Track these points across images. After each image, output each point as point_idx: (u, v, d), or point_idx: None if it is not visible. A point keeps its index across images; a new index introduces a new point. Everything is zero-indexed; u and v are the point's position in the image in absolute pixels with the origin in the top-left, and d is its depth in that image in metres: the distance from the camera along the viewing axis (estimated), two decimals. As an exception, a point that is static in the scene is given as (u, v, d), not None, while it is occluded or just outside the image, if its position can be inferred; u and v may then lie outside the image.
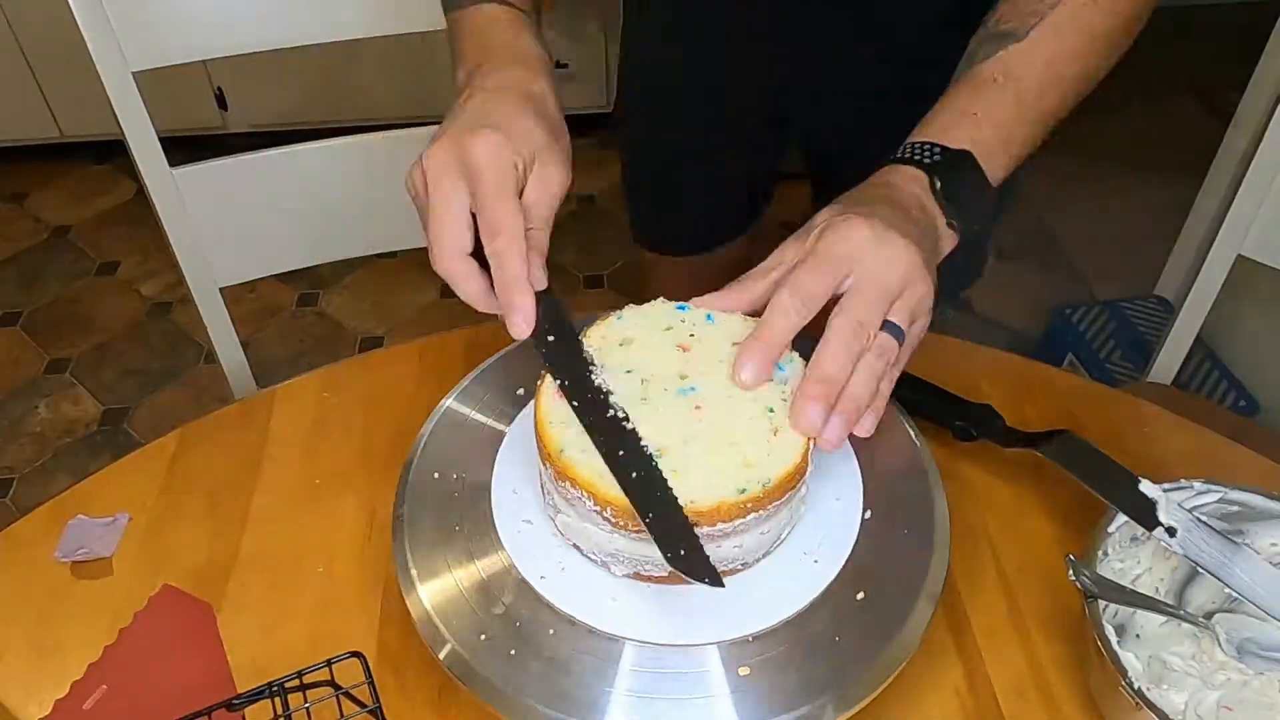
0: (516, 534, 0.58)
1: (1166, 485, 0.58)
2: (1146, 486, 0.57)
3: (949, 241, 0.62)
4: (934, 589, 0.56)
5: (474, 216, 0.56)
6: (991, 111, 0.63)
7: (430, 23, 0.93)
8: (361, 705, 0.52)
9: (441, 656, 0.53)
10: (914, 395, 0.70)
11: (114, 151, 2.31)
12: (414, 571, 0.57)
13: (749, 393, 0.55)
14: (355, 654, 0.53)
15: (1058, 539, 0.66)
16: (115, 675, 0.59)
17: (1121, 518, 0.58)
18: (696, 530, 0.51)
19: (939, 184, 0.60)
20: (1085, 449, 0.63)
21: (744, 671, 0.52)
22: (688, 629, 0.54)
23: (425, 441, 0.64)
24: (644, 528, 0.50)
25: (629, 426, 0.53)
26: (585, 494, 0.52)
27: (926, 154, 0.61)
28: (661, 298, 0.61)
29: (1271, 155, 0.90)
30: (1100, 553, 0.58)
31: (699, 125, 0.99)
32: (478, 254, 0.56)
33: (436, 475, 0.62)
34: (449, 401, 0.67)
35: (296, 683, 0.52)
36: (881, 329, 0.54)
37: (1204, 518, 0.56)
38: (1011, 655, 0.60)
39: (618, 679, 0.52)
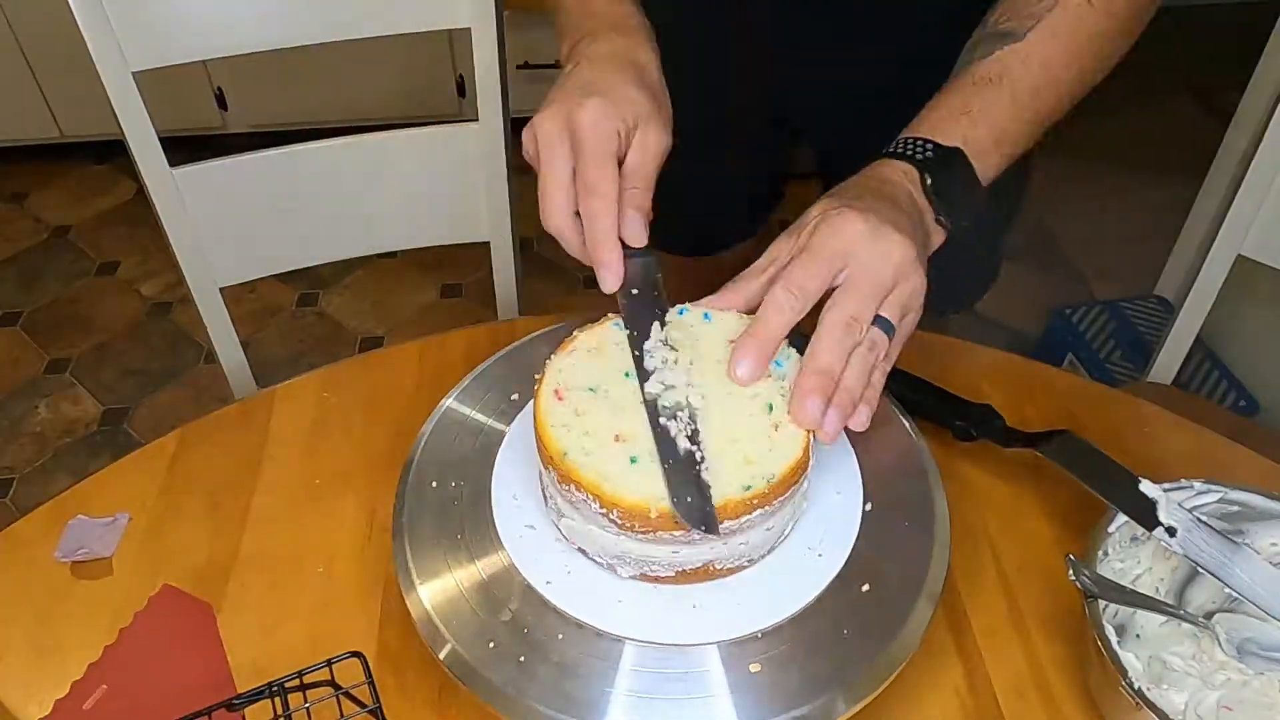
0: (519, 539, 0.58)
1: (1166, 485, 0.58)
2: (1146, 486, 0.57)
3: (937, 237, 0.62)
4: (934, 589, 0.56)
5: None
6: (987, 110, 0.63)
7: (431, 23, 0.93)
8: (361, 705, 0.52)
9: (441, 656, 0.53)
10: (914, 395, 0.70)
11: (114, 151, 2.31)
12: (414, 571, 0.57)
13: (748, 390, 0.55)
14: (355, 654, 0.53)
15: (1058, 539, 0.66)
16: (115, 675, 0.59)
17: (1121, 518, 0.58)
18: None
19: (929, 180, 0.61)
20: (1085, 449, 0.63)
21: (755, 668, 0.52)
22: (698, 628, 0.54)
23: (425, 441, 0.64)
24: (650, 527, 0.51)
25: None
26: (590, 496, 0.52)
27: (919, 150, 0.62)
28: (686, 304, 0.61)
29: (1271, 155, 0.90)
30: (1100, 553, 0.58)
31: (699, 126, 0.99)
32: None
33: (436, 475, 0.62)
34: (449, 401, 0.67)
35: (296, 683, 0.52)
36: (872, 323, 0.55)
37: (1204, 518, 0.56)
38: (1011, 655, 0.60)
39: (618, 679, 0.52)
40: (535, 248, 2.16)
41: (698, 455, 0.52)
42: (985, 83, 0.64)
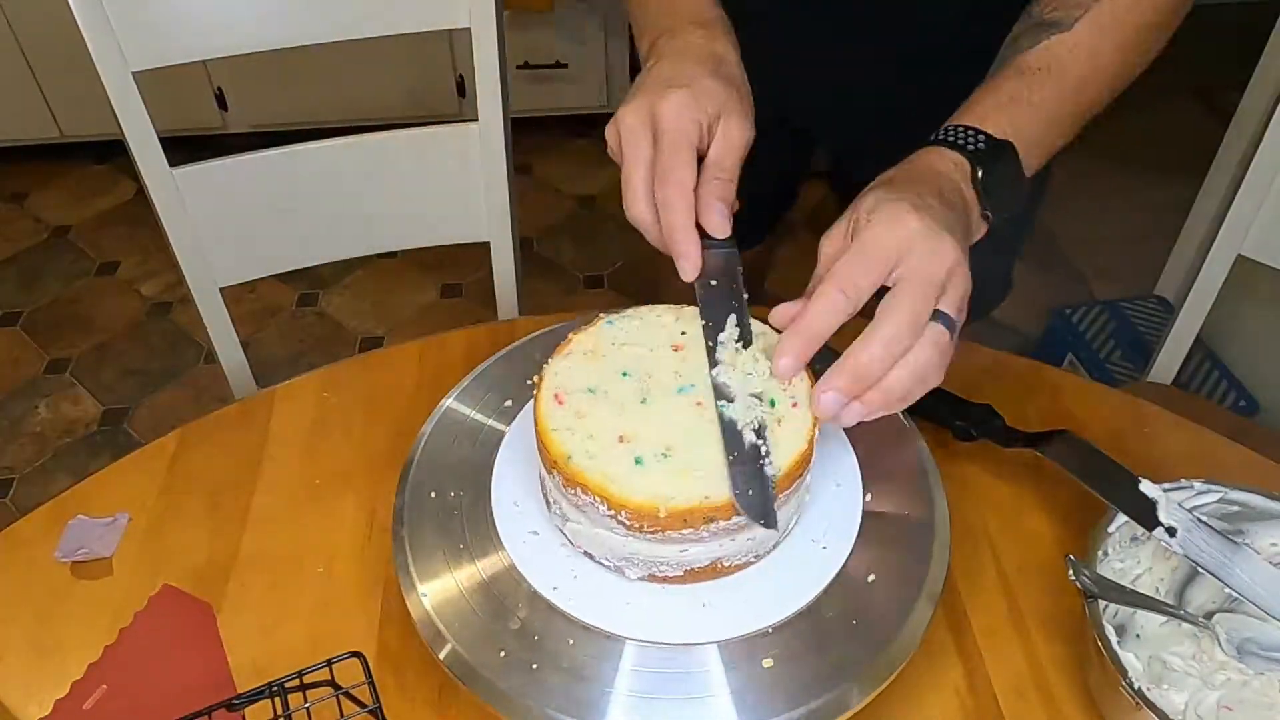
0: (522, 544, 0.58)
1: (1166, 485, 0.58)
2: (1147, 486, 0.57)
3: (979, 231, 0.61)
4: (934, 589, 0.56)
5: None
6: (1034, 101, 0.62)
7: (431, 23, 0.93)
8: (361, 705, 0.52)
9: (441, 656, 0.53)
10: None
11: (114, 151, 2.31)
12: (414, 572, 0.57)
13: (752, 388, 0.56)
14: (355, 654, 0.53)
15: (1058, 539, 0.66)
16: (115, 675, 0.59)
17: (1121, 518, 0.58)
18: (713, 524, 0.52)
19: (980, 173, 0.59)
20: (1085, 449, 0.63)
21: (768, 663, 0.52)
22: (710, 626, 0.54)
23: (425, 441, 0.64)
24: (659, 527, 0.51)
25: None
26: (598, 499, 0.51)
27: (970, 140, 0.60)
28: (662, 306, 0.61)
29: (1271, 155, 0.90)
30: (1100, 553, 0.58)
31: None
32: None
33: (436, 475, 0.62)
34: (449, 401, 0.67)
35: (297, 683, 0.52)
36: (934, 319, 0.53)
37: (1204, 518, 0.56)
38: (1011, 655, 0.60)
39: (619, 679, 0.52)
40: (535, 248, 2.16)
41: (763, 450, 0.52)
42: (1033, 72, 0.63)
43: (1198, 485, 0.59)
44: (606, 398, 0.55)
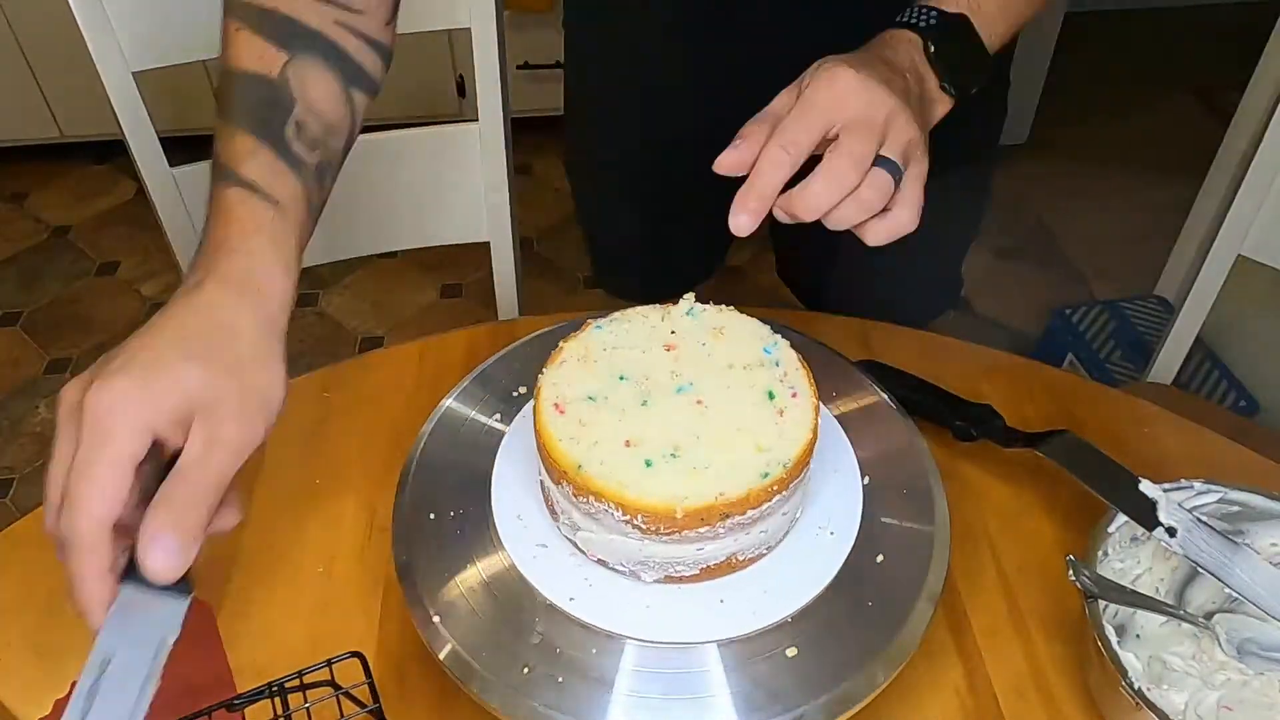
0: (523, 544, 0.58)
1: (1166, 485, 0.58)
2: (1147, 486, 0.57)
3: (943, 105, 0.62)
4: (934, 589, 0.56)
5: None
6: None
7: (431, 23, 0.93)
8: (361, 705, 0.52)
9: (441, 656, 0.53)
10: (914, 395, 0.70)
11: (114, 151, 2.31)
12: (414, 571, 0.57)
13: (748, 380, 0.56)
14: (355, 654, 0.53)
15: (1058, 539, 0.66)
16: (115, 675, 0.59)
17: (1122, 518, 0.58)
18: (729, 520, 0.52)
19: (933, 48, 0.61)
20: (1085, 449, 0.63)
21: (791, 652, 0.53)
22: (728, 621, 0.54)
23: (425, 441, 0.64)
24: (676, 527, 0.51)
25: None
26: (612, 505, 0.51)
27: (922, 18, 0.62)
28: (642, 307, 0.61)
29: (1271, 155, 0.90)
30: (1100, 553, 0.58)
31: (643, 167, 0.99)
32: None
33: (436, 475, 0.62)
34: (449, 401, 0.67)
35: (296, 683, 0.52)
36: (877, 165, 0.55)
37: (1204, 518, 0.56)
38: (1011, 655, 0.60)
39: (619, 679, 0.52)
40: (535, 248, 2.16)
41: None
42: None
43: (1198, 485, 0.59)
44: (607, 403, 0.55)
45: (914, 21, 0.62)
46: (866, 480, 0.61)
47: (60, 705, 0.57)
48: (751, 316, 0.61)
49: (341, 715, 0.51)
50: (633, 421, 0.54)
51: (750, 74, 0.77)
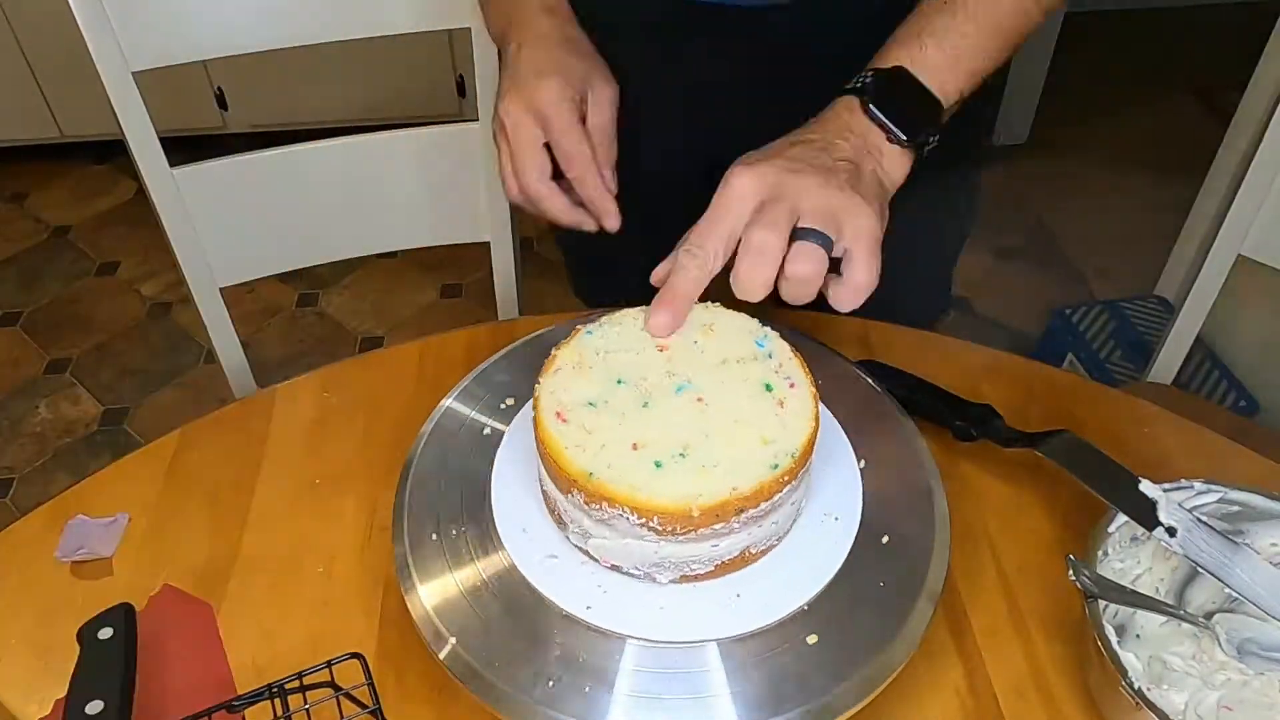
0: (524, 545, 0.58)
1: (1167, 485, 0.58)
2: (1147, 486, 0.57)
3: (900, 160, 0.63)
4: (934, 589, 0.56)
5: (548, 148, 0.70)
6: (935, 32, 0.65)
7: (430, 23, 0.93)
8: (362, 706, 0.52)
9: (442, 656, 0.53)
10: (914, 395, 0.70)
11: (114, 151, 2.31)
12: (414, 572, 0.57)
13: (743, 374, 0.57)
14: (355, 655, 0.53)
15: (1058, 539, 0.66)
16: (115, 675, 0.59)
17: (1122, 518, 0.58)
18: (743, 515, 0.53)
19: (871, 105, 0.62)
20: (1085, 449, 0.63)
21: (812, 640, 0.53)
22: (740, 619, 0.54)
23: (425, 441, 0.64)
24: (692, 526, 0.52)
25: None
26: (627, 509, 0.51)
27: (859, 80, 0.64)
28: (630, 309, 0.61)
29: (1271, 155, 0.90)
30: (1100, 553, 0.58)
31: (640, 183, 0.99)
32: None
33: (436, 475, 0.62)
34: (449, 401, 0.67)
35: (297, 684, 0.52)
36: (800, 238, 0.57)
37: (1204, 518, 0.56)
38: (1011, 655, 0.60)
39: (620, 680, 0.52)
40: (535, 248, 2.16)
41: None
42: (934, 8, 0.66)
43: (1198, 485, 0.59)
44: (609, 408, 0.55)
45: (854, 86, 0.64)
46: (863, 464, 0.61)
47: (60, 705, 0.57)
48: (739, 312, 0.61)
49: (341, 716, 0.51)
50: (636, 424, 0.54)
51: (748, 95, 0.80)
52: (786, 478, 0.53)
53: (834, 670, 0.52)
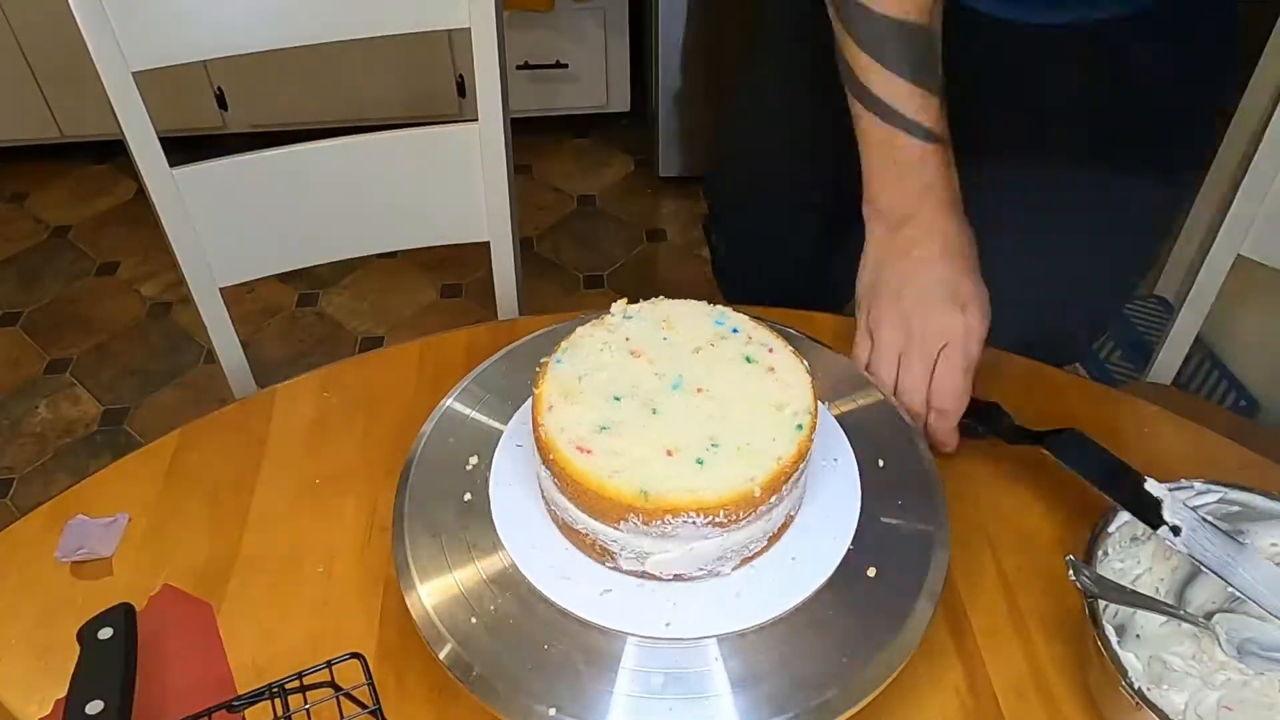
0: (523, 544, 0.58)
1: (1169, 485, 0.58)
2: (1152, 485, 0.57)
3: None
4: (934, 589, 0.56)
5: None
6: None
7: (431, 23, 0.93)
8: (362, 706, 0.52)
9: (442, 656, 0.53)
10: None
11: (114, 151, 2.31)
12: (414, 572, 0.57)
13: (721, 354, 0.58)
14: (355, 655, 0.53)
15: (1058, 539, 0.66)
16: (115, 675, 0.59)
17: (1122, 517, 0.58)
18: (788, 481, 0.54)
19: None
20: (1091, 447, 0.63)
21: (811, 639, 0.54)
22: (746, 614, 0.55)
23: (425, 441, 0.64)
24: (753, 507, 0.53)
25: None
26: (693, 514, 0.51)
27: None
28: (579, 326, 0.61)
29: (1271, 155, 0.90)
30: (1100, 553, 0.58)
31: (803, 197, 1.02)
32: None
33: (436, 475, 0.62)
34: (449, 401, 0.67)
35: (297, 684, 0.52)
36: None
37: (1208, 517, 0.56)
38: (1011, 655, 0.60)
39: (619, 678, 0.52)
40: (535, 248, 2.16)
41: None
42: None
43: (1198, 485, 0.59)
44: (624, 426, 0.55)
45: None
46: (866, 480, 0.61)
47: (60, 705, 0.57)
48: (684, 300, 0.62)
49: (341, 716, 0.51)
50: (657, 431, 0.54)
51: None
52: (810, 434, 0.55)
53: (834, 670, 0.52)
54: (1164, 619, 0.55)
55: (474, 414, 0.66)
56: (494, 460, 0.63)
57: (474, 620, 0.54)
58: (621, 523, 0.53)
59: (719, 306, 0.61)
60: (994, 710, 0.57)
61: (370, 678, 0.52)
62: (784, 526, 0.58)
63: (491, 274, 1.07)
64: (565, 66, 2.23)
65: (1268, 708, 0.52)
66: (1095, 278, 0.86)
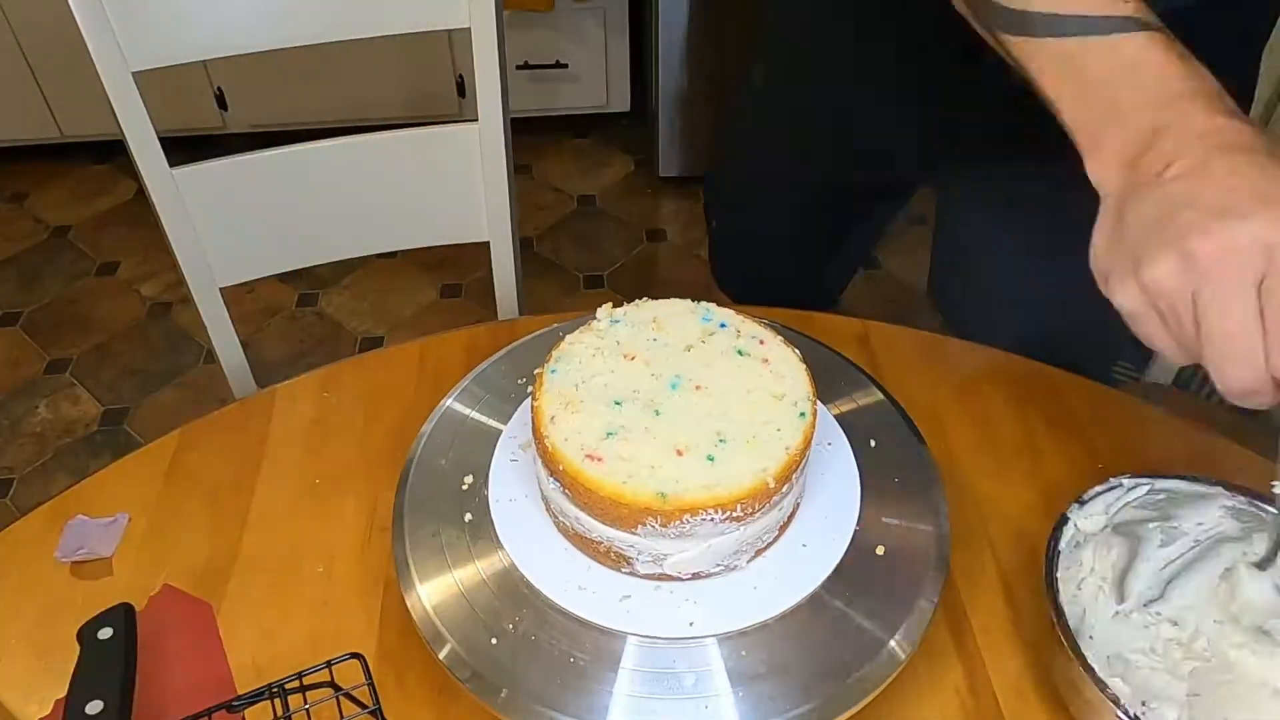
0: (524, 544, 0.58)
1: (1099, 488, 0.58)
2: None
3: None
4: (934, 589, 0.56)
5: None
6: None
7: (431, 23, 0.93)
8: (362, 706, 0.52)
9: (442, 656, 0.53)
10: None
11: (114, 151, 2.31)
12: (414, 572, 0.57)
13: (714, 350, 0.58)
14: (355, 655, 0.53)
15: (1058, 539, 0.66)
16: (115, 675, 0.59)
17: (1069, 530, 0.58)
18: (797, 470, 0.54)
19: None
20: None
21: (811, 639, 0.54)
22: (746, 614, 0.55)
23: (425, 441, 0.64)
24: (768, 497, 0.53)
25: None
26: (712, 511, 0.51)
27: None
28: (568, 334, 0.61)
29: (1271, 155, 0.90)
30: (1058, 572, 0.57)
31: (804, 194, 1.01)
32: None
33: (437, 475, 0.62)
34: (449, 401, 0.67)
35: (297, 684, 0.52)
36: None
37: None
38: (1011, 655, 0.60)
39: (619, 678, 0.52)
40: (535, 248, 2.16)
41: None
42: None
43: (1126, 481, 0.60)
44: (631, 430, 0.55)
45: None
46: (865, 480, 0.61)
47: (60, 705, 0.57)
48: (669, 299, 0.62)
49: (341, 716, 0.51)
50: (664, 432, 0.54)
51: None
52: (812, 420, 0.55)
53: (834, 670, 0.52)
54: (1111, 615, 0.55)
55: (474, 414, 0.66)
56: (494, 460, 0.63)
57: (474, 620, 0.54)
58: (639, 527, 0.53)
59: (703, 303, 0.62)
60: (994, 710, 0.57)
61: (370, 678, 0.52)
62: (791, 515, 0.58)
63: (491, 274, 1.07)
64: (565, 66, 2.23)
65: (1228, 682, 0.51)
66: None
